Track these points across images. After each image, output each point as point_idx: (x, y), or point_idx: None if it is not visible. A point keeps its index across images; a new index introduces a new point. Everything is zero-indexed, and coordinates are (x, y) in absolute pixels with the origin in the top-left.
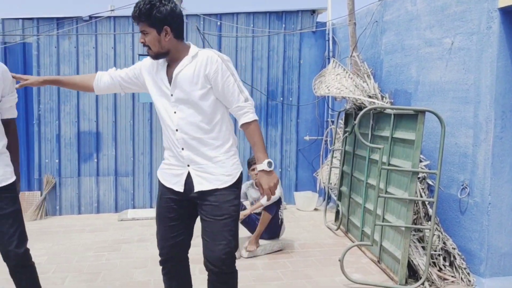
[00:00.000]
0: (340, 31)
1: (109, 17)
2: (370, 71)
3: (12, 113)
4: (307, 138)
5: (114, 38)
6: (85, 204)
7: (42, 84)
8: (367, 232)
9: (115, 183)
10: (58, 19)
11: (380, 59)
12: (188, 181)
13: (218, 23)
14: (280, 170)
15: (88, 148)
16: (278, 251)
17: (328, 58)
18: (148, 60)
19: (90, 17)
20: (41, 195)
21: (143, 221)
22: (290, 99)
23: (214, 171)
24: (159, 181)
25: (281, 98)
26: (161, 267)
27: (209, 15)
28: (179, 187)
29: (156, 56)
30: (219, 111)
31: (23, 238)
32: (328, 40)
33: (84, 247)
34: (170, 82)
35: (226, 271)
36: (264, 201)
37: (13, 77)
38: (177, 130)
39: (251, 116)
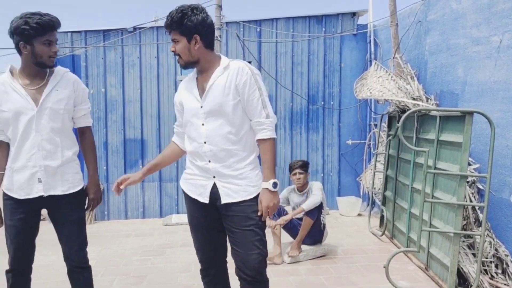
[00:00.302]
0: (382, 33)
1: (152, 27)
2: (414, 73)
3: (87, 122)
4: (349, 142)
5: (157, 47)
6: (131, 210)
7: (143, 177)
8: (413, 238)
9: (159, 189)
10: (104, 31)
11: (424, 60)
12: (213, 191)
13: (258, 29)
14: (322, 175)
15: (134, 155)
16: (320, 256)
17: (370, 61)
18: (180, 87)
19: (134, 28)
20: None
21: (187, 226)
22: (331, 103)
23: (240, 182)
24: (183, 192)
25: (322, 102)
26: (201, 276)
27: (249, 21)
28: (204, 199)
29: (185, 65)
30: (247, 122)
31: (84, 242)
32: (370, 42)
33: (131, 251)
34: (201, 93)
35: (259, 280)
36: (305, 206)
37: (115, 190)
38: (205, 142)
39: (268, 133)
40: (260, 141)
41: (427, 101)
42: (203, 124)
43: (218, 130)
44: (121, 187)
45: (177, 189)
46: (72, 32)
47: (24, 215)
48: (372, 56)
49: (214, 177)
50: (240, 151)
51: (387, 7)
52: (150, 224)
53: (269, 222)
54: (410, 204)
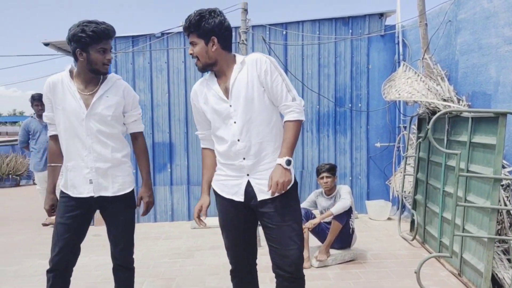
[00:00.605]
0: (411, 33)
1: (179, 32)
2: (444, 73)
3: (138, 127)
4: (378, 144)
5: (184, 52)
6: (160, 212)
7: (209, 196)
8: (445, 243)
9: (187, 192)
10: (133, 37)
11: (455, 60)
12: (248, 190)
13: (284, 32)
14: (350, 178)
15: (162, 158)
16: (349, 261)
17: (398, 62)
18: (193, 90)
19: (162, 34)
20: None
21: (215, 229)
22: (359, 105)
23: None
24: (216, 193)
25: (350, 105)
26: (230, 278)
27: (275, 24)
28: (239, 197)
29: (203, 67)
30: (275, 112)
31: (129, 244)
32: (398, 43)
33: (160, 254)
34: (225, 93)
35: (298, 276)
36: (334, 210)
37: (199, 223)
38: (238, 140)
39: (295, 115)
40: (287, 122)
41: (458, 102)
42: (235, 122)
43: (250, 125)
44: (202, 218)
45: None
46: None
47: (75, 213)
48: (401, 57)
49: (247, 174)
50: (271, 142)
51: (415, 7)
52: (179, 227)
53: None
54: (441, 208)
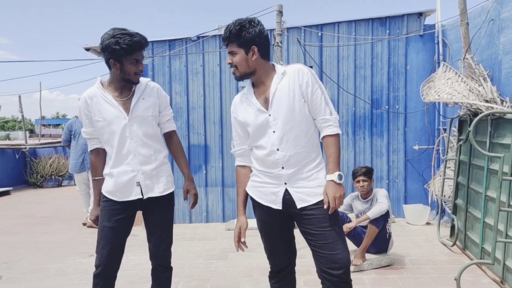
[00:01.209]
0: (451, 33)
1: (215, 35)
2: (487, 74)
3: (172, 126)
4: (416, 147)
5: (220, 55)
6: (195, 214)
7: (246, 217)
8: (487, 250)
9: (222, 194)
10: (169, 41)
11: (498, 60)
12: (286, 198)
13: (319, 34)
14: (387, 181)
15: (198, 160)
16: (386, 266)
17: (438, 62)
18: (233, 104)
19: (198, 37)
20: None
21: (249, 231)
22: (397, 106)
23: (311, 184)
24: (252, 198)
25: (387, 106)
26: (269, 278)
27: (310, 26)
28: (277, 205)
29: (241, 77)
30: (311, 123)
31: (170, 242)
32: (438, 43)
33: (195, 255)
34: (263, 103)
35: (345, 280)
36: (371, 213)
37: (239, 247)
38: (278, 149)
39: (334, 129)
40: (326, 137)
41: (501, 103)
42: (274, 132)
43: (290, 135)
44: (242, 240)
45: (237, 193)
46: None
47: (122, 216)
48: (440, 57)
49: (285, 183)
50: (309, 152)
51: (456, 6)
52: (213, 229)
53: None
54: (483, 213)
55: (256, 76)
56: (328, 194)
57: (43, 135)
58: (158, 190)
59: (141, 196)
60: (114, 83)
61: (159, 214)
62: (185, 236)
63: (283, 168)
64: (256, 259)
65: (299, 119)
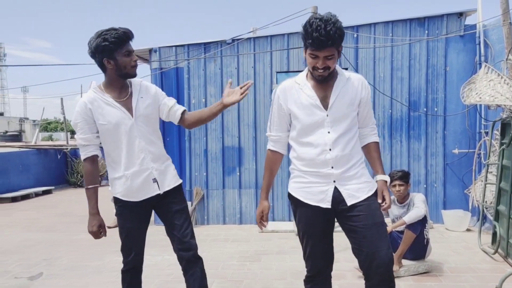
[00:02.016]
0: (493, 33)
1: (249, 38)
2: None
3: (181, 107)
4: (456, 151)
5: (254, 57)
6: (229, 215)
7: (268, 201)
8: None
9: (255, 196)
10: (205, 44)
11: None
12: (334, 196)
13: (355, 35)
14: (425, 186)
15: (232, 162)
16: (424, 273)
17: (479, 63)
18: (282, 90)
19: (233, 40)
20: (191, 205)
21: (282, 234)
22: (435, 109)
23: (358, 181)
24: (296, 200)
25: (425, 109)
26: (304, 282)
27: (345, 27)
28: (326, 204)
29: (324, 80)
30: (356, 126)
31: (193, 231)
32: (479, 44)
33: (228, 256)
34: (322, 101)
35: (388, 279)
36: (408, 218)
37: (261, 225)
38: (330, 149)
39: (377, 137)
40: (372, 144)
41: None
42: (329, 132)
43: (344, 138)
44: (265, 223)
45: (272, 196)
46: (176, 46)
47: (141, 216)
48: (482, 58)
49: (334, 181)
50: (357, 153)
51: (498, 6)
52: (247, 230)
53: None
54: None
55: (330, 75)
56: (384, 194)
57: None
58: (171, 182)
59: (159, 192)
60: (111, 85)
61: (175, 205)
62: (218, 237)
63: (332, 167)
64: (290, 262)
65: (354, 124)
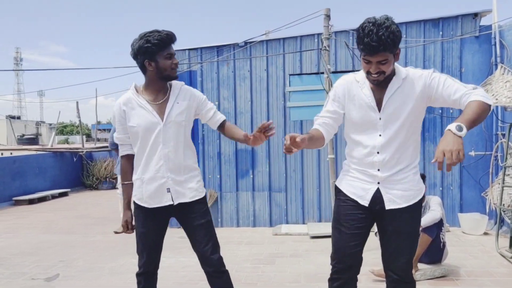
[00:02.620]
0: (509, 34)
1: (262, 41)
2: None
3: (221, 117)
4: (472, 153)
5: (267, 60)
6: (242, 218)
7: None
8: None
9: (269, 198)
10: (218, 47)
11: None
12: (375, 196)
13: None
14: (440, 188)
15: (245, 164)
16: (440, 277)
17: (495, 64)
18: (344, 81)
19: (245, 43)
20: None
21: (296, 237)
22: (450, 111)
23: (403, 187)
24: (339, 190)
25: (440, 111)
26: (330, 281)
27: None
28: (365, 202)
29: (379, 84)
30: (418, 129)
31: (215, 246)
32: (495, 44)
33: (242, 258)
34: (377, 102)
35: (407, 280)
36: (423, 221)
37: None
38: (378, 152)
39: (479, 97)
40: (468, 103)
41: None
42: (380, 135)
43: (394, 142)
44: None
45: (286, 199)
46: (189, 49)
47: (155, 223)
48: (498, 59)
49: (378, 182)
50: (406, 158)
51: None
52: (260, 233)
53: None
54: None
55: (387, 78)
56: (439, 146)
57: (98, 139)
58: (189, 196)
59: (171, 202)
60: (150, 87)
61: (194, 219)
62: (232, 240)
63: (379, 170)
64: (304, 265)
65: (407, 128)
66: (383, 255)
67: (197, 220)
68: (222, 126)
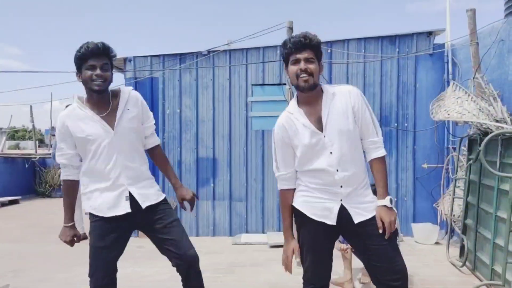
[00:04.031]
0: (461, 52)
1: (225, 50)
2: (497, 94)
3: (156, 140)
4: (425, 166)
5: (230, 69)
6: (202, 227)
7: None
8: (497, 271)
9: (229, 208)
10: (180, 55)
11: (509, 80)
12: (341, 214)
13: (329, 51)
14: (395, 199)
15: (206, 173)
16: None
17: (447, 81)
18: (281, 127)
19: (208, 52)
20: None
21: (256, 246)
22: (406, 124)
23: (364, 200)
24: (300, 214)
25: (396, 124)
26: None
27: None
28: (331, 221)
29: (310, 87)
30: (360, 142)
31: (190, 242)
32: (447, 62)
33: (201, 268)
34: (316, 124)
35: (406, 285)
36: None
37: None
38: (337, 170)
39: (383, 151)
40: (376, 160)
41: None
42: (331, 153)
43: (348, 156)
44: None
45: (246, 208)
46: (151, 56)
47: (115, 235)
48: (450, 76)
49: (341, 200)
50: (361, 172)
51: (465, 26)
52: (220, 242)
53: (339, 245)
54: (494, 234)
55: (314, 92)
56: (384, 219)
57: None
58: (153, 198)
59: (129, 210)
60: (89, 99)
61: (164, 220)
62: None
63: (341, 187)
64: (264, 274)
65: (354, 139)
66: (374, 271)
67: (168, 219)
68: (154, 149)
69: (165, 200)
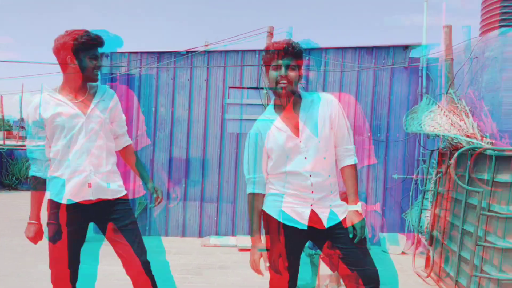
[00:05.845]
0: (435, 67)
1: (204, 52)
2: (469, 109)
3: (129, 140)
4: (395, 176)
5: (208, 71)
6: (172, 227)
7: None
8: (462, 284)
9: (200, 209)
10: (159, 53)
11: (481, 97)
12: (312, 218)
13: (307, 58)
14: (365, 208)
15: (178, 173)
16: None
17: (421, 95)
18: (257, 131)
19: (187, 52)
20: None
21: (225, 248)
22: (378, 135)
23: (334, 204)
24: (270, 217)
25: (369, 134)
26: None
27: None
28: (302, 226)
29: (287, 94)
30: (333, 148)
31: (143, 248)
32: (422, 76)
33: (170, 268)
34: (293, 129)
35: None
36: None
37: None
38: (310, 175)
39: (355, 159)
40: (349, 166)
41: (482, 139)
42: (306, 158)
43: (321, 161)
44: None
45: (217, 210)
46: (129, 52)
47: (76, 223)
48: (424, 90)
49: (311, 205)
50: (333, 177)
51: (441, 41)
52: (189, 243)
53: (307, 251)
54: (460, 247)
55: (291, 99)
56: (355, 224)
57: (20, 137)
58: (110, 193)
59: (91, 198)
60: (68, 85)
61: (119, 221)
62: (160, 249)
63: (313, 192)
64: (232, 277)
65: (329, 146)
66: (346, 275)
67: (122, 221)
68: (127, 149)
69: (125, 199)
